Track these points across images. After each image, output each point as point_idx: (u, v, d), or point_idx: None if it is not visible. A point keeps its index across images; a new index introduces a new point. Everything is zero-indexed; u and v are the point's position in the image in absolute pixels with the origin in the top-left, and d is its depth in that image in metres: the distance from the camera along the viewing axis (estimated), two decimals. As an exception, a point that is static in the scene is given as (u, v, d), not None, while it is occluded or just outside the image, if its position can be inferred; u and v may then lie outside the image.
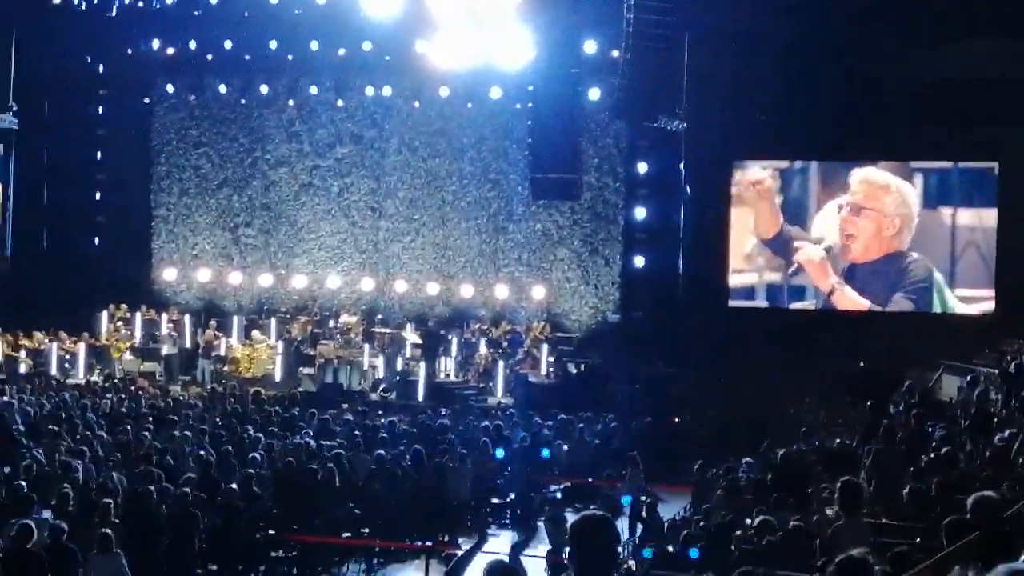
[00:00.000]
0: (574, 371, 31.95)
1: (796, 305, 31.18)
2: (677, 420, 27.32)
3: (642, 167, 33.24)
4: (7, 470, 18.05)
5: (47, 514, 15.30)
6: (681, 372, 30.00)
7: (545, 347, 32.49)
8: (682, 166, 31.54)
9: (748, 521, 14.90)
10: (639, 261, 33.06)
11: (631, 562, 16.55)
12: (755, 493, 17.09)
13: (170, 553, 15.77)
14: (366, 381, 31.78)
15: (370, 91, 35.55)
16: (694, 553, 14.48)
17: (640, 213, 33.17)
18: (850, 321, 29.98)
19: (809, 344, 28.78)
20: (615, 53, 29.64)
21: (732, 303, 31.38)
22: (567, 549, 6.23)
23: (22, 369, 32.50)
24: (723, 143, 30.98)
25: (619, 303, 34.00)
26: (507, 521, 21.17)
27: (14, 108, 34.86)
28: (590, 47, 30.92)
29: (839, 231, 30.45)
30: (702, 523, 16.41)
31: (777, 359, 28.34)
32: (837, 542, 11.78)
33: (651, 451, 24.84)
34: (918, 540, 11.48)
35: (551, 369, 32.22)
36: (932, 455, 15.83)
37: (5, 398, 25.49)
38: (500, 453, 22.32)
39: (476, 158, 35.42)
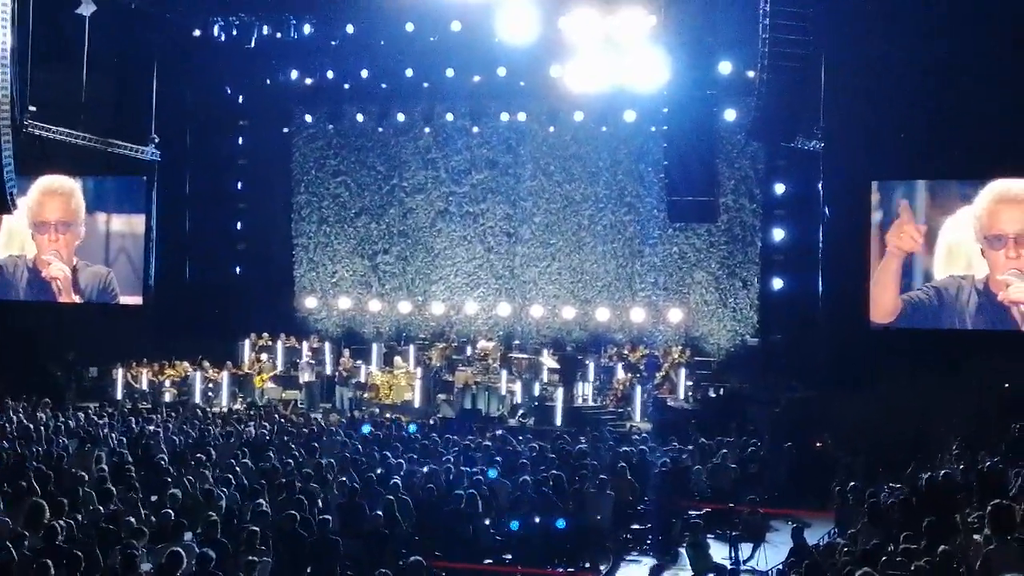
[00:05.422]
0: (713, 395, 31.68)
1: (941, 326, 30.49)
2: (819, 444, 26.91)
3: (779, 188, 32.96)
4: (154, 499, 18.37)
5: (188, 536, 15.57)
6: (822, 395, 29.59)
7: (683, 371, 32.19)
8: (820, 186, 31.20)
9: (891, 548, 14.65)
10: (777, 283, 32.77)
11: None
12: (899, 518, 16.83)
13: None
14: (504, 407, 31.83)
15: (505, 117, 35.78)
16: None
17: (778, 234, 32.86)
18: (997, 342, 29.32)
19: (954, 365, 28.23)
20: (751, 74, 29.34)
21: (874, 324, 30.79)
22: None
23: (167, 398, 33.13)
24: (862, 163, 30.57)
25: (758, 326, 33.69)
26: (647, 547, 21.03)
27: (156, 140, 35.64)
28: (725, 68, 30.63)
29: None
30: (847, 548, 16.12)
31: (921, 381, 27.85)
32: (989, 567, 11.55)
33: (793, 475, 24.71)
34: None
35: (689, 393, 31.97)
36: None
37: (151, 427, 25.98)
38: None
39: (611, 182, 35.45)
